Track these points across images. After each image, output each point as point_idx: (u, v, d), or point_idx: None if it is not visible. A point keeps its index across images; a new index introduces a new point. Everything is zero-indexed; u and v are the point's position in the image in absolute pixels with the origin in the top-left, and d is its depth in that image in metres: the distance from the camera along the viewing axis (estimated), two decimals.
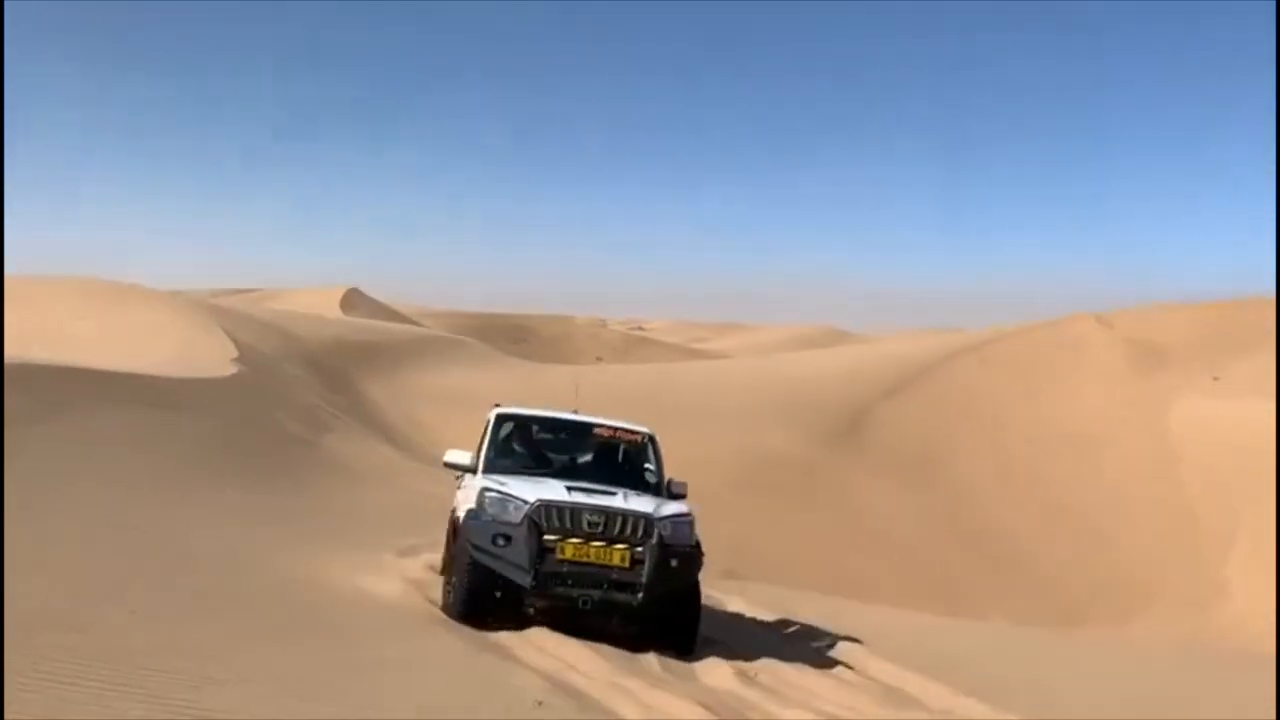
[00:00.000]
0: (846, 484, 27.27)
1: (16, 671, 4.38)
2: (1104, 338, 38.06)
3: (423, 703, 5.35)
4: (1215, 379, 33.31)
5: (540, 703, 5.57)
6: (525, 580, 7.72)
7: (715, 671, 7.28)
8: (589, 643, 7.34)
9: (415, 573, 9.94)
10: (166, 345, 25.76)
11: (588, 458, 9.36)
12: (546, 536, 7.76)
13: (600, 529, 7.85)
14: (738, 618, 10.36)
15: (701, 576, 8.29)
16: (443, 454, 9.48)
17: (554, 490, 8.12)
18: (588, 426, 9.54)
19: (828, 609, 12.72)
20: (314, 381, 27.66)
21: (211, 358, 24.10)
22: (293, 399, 23.93)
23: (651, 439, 9.47)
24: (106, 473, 12.12)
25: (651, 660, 7.35)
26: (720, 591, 11.46)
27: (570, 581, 7.75)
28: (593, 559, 7.79)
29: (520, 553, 7.72)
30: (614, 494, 8.31)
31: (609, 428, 9.49)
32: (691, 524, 8.24)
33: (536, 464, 9.12)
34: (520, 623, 7.82)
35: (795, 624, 10.35)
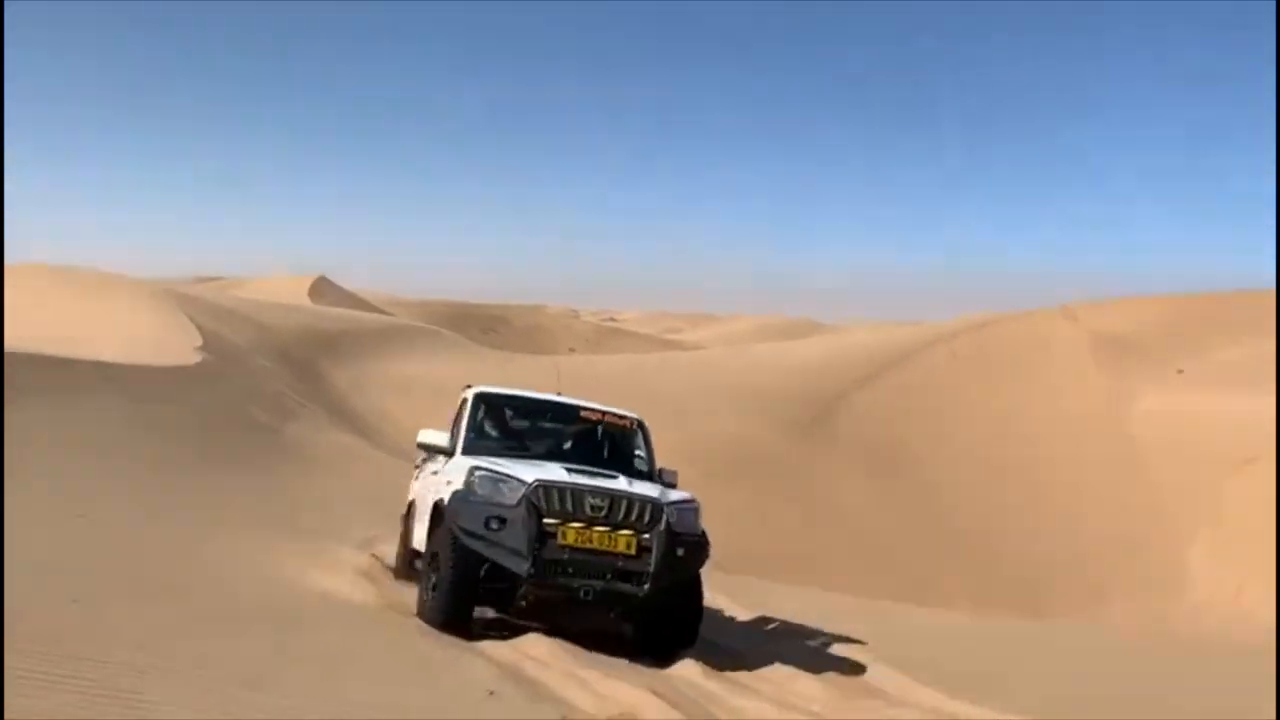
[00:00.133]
0: (816, 473, 27.35)
1: None
2: (1070, 330, 38.38)
3: (370, 692, 5.28)
4: (1179, 372, 33.67)
5: (492, 692, 5.50)
6: (522, 567, 7.07)
7: (676, 661, 7.15)
8: (546, 637, 7.13)
9: (370, 563, 9.81)
10: (127, 333, 25.39)
11: (573, 442, 8.78)
12: (546, 520, 7.14)
13: (604, 513, 7.26)
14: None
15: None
16: (411, 443, 9.27)
17: (552, 471, 7.51)
18: (573, 409, 8.97)
19: (794, 598, 12.76)
20: (280, 370, 27.36)
21: (175, 346, 23.79)
22: (258, 387, 23.67)
23: (641, 424, 9.01)
24: (60, 462, 11.93)
25: (614, 651, 7.17)
26: None
27: (571, 570, 7.13)
28: (596, 545, 7.19)
29: (517, 537, 7.07)
30: (615, 477, 7.78)
31: (596, 411, 8.93)
32: (698, 511, 7.77)
33: (519, 447, 8.54)
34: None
35: (767, 617, 10.34)
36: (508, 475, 7.36)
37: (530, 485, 7.22)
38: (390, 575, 9.42)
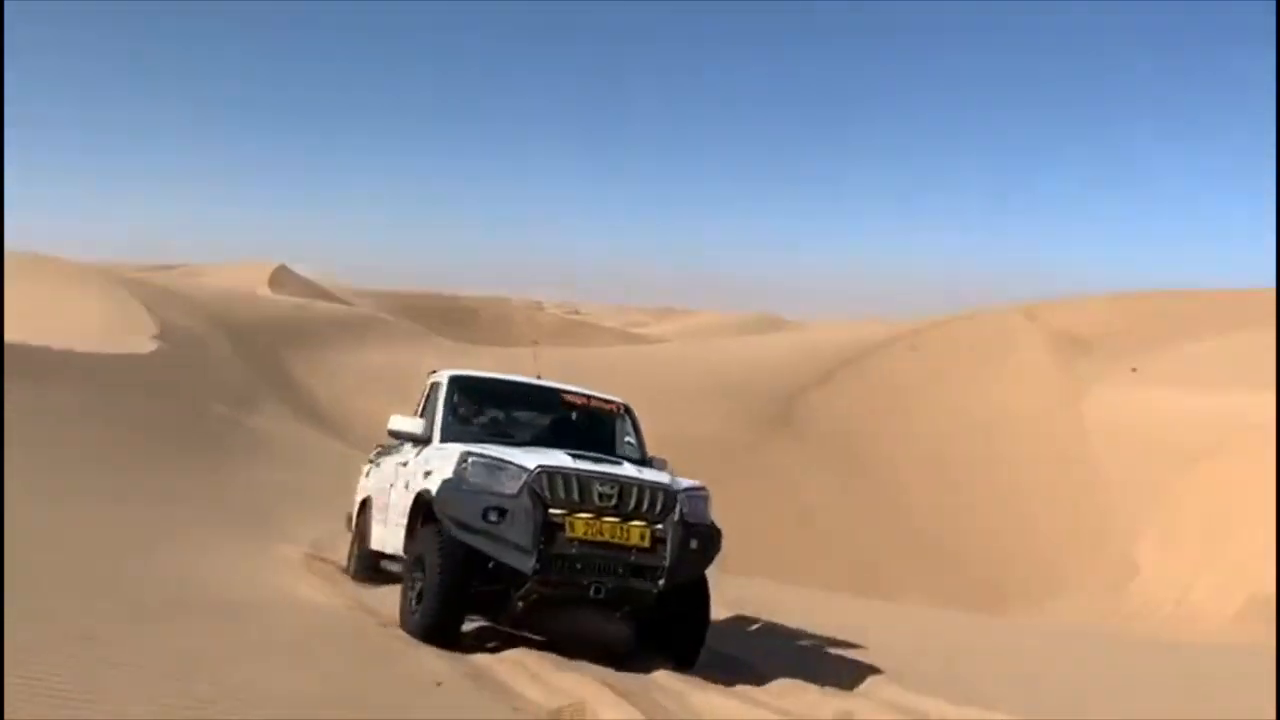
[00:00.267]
0: (778, 468, 27.51)
1: None
2: (1028, 329, 38.84)
3: (315, 684, 5.22)
4: (1133, 370, 34.17)
5: (440, 683, 5.47)
6: (527, 564, 6.38)
7: (631, 653, 6.97)
8: (497, 628, 6.99)
9: (321, 557, 9.70)
10: (80, 320, 24.99)
11: (558, 428, 8.17)
12: (552, 510, 6.46)
13: (614, 502, 6.61)
14: None
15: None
16: (371, 434, 9.03)
17: (554, 456, 6.82)
18: (556, 394, 8.40)
19: (752, 591, 12.79)
20: (238, 359, 27.07)
21: (129, 334, 23.46)
22: (215, 377, 23.41)
23: (628, 409, 8.48)
24: (9, 452, 11.70)
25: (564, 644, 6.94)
26: None
27: (580, 565, 6.46)
28: (607, 538, 6.54)
29: (520, 530, 6.39)
30: (619, 463, 7.23)
31: (581, 395, 8.39)
32: (709, 500, 7.17)
33: (501, 434, 7.86)
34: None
35: (744, 616, 10.32)
36: (506, 461, 6.66)
37: (533, 472, 6.53)
38: (341, 570, 9.30)
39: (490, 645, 6.75)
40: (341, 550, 9.84)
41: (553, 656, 6.54)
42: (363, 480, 9.75)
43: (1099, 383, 33.32)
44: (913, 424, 32.00)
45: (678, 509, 6.77)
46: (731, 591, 11.92)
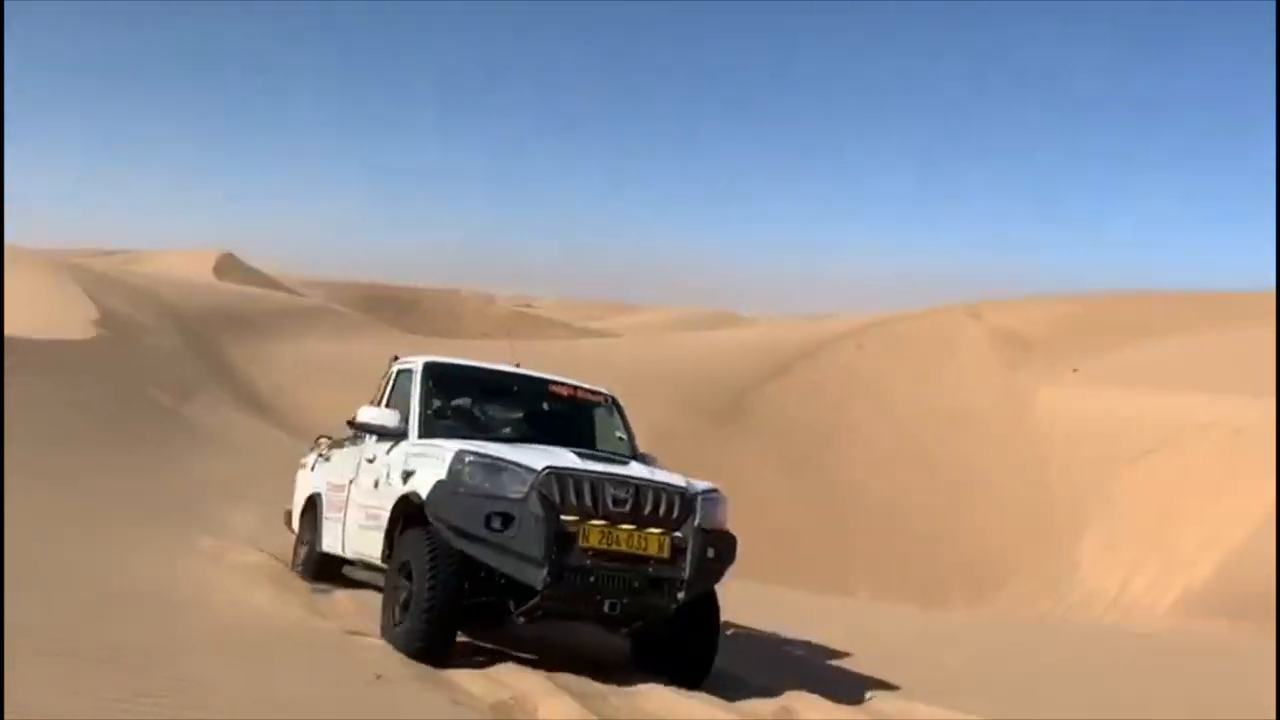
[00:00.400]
0: (726, 463, 27.54)
1: None
2: (973, 328, 39.35)
3: (250, 678, 5.11)
4: (1075, 370, 34.77)
5: (379, 676, 5.37)
6: (537, 578, 5.80)
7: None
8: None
9: (263, 547, 9.50)
10: (14, 305, 24.33)
11: (544, 422, 7.56)
12: (564, 517, 5.88)
13: (628, 507, 6.05)
14: None
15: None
16: (317, 426, 8.69)
17: (559, 455, 6.28)
18: (541, 384, 7.83)
19: None
20: (181, 348, 26.56)
21: (67, 320, 22.89)
22: (158, 366, 22.93)
23: (615, 401, 7.99)
24: None
25: (506, 635, 6.76)
26: None
27: (594, 579, 5.88)
28: (624, 547, 5.97)
29: (529, 539, 5.78)
30: (625, 462, 6.77)
31: (567, 386, 7.85)
32: (724, 504, 6.58)
33: (483, 429, 7.22)
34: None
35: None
36: (509, 461, 6.07)
37: (541, 473, 5.94)
38: (283, 565, 9.04)
39: None
40: (276, 542, 9.48)
41: (496, 649, 6.46)
42: (306, 474, 9.17)
43: (1042, 382, 33.86)
44: (859, 421, 32.30)
45: (696, 514, 6.24)
46: None
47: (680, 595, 6.09)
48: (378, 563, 6.92)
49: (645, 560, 6.04)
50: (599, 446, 7.40)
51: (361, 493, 7.38)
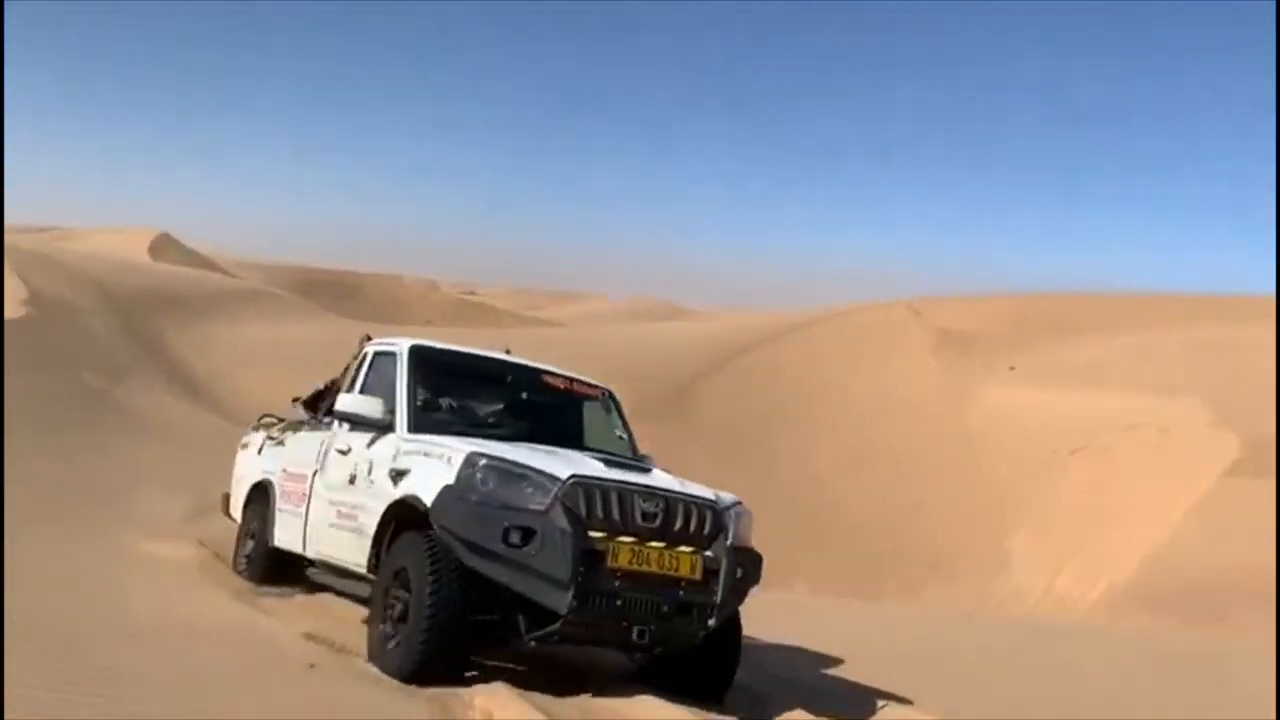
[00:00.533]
0: (666, 455, 27.68)
1: None
2: (914, 324, 39.90)
3: (186, 668, 5.04)
4: (1011, 369, 35.43)
5: (313, 665, 5.33)
6: (561, 602, 5.17)
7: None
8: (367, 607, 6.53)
9: (196, 537, 9.31)
10: None
11: (541, 419, 6.94)
12: (591, 533, 5.26)
13: (658, 522, 5.45)
14: None
15: None
16: (256, 412, 8.36)
17: (583, 463, 5.69)
18: (536, 374, 7.14)
19: None
20: (114, 329, 25.97)
21: None
22: (89, 347, 22.41)
23: (612, 396, 7.54)
24: None
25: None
26: None
27: (622, 603, 5.27)
28: (654, 568, 5.38)
29: (554, 558, 5.14)
30: (647, 469, 6.14)
31: (562, 378, 7.22)
32: (752, 518, 6.05)
33: (477, 424, 6.57)
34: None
35: None
36: (529, 468, 5.41)
37: (565, 483, 5.31)
38: (219, 559, 8.78)
39: (356, 623, 6.38)
40: (210, 528, 9.10)
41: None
42: (251, 456, 8.38)
43: (980, 379, 34.46)
44: (798, 416, 32.60)
45: (729, 530, 5.71)
46: None
47: (710, 622, 5.58)
48: (351, 568, 6.33)
49: (676, 583, 5.47)
50: (597, 446, 6.87)
51: (331, 487, 6.67)
